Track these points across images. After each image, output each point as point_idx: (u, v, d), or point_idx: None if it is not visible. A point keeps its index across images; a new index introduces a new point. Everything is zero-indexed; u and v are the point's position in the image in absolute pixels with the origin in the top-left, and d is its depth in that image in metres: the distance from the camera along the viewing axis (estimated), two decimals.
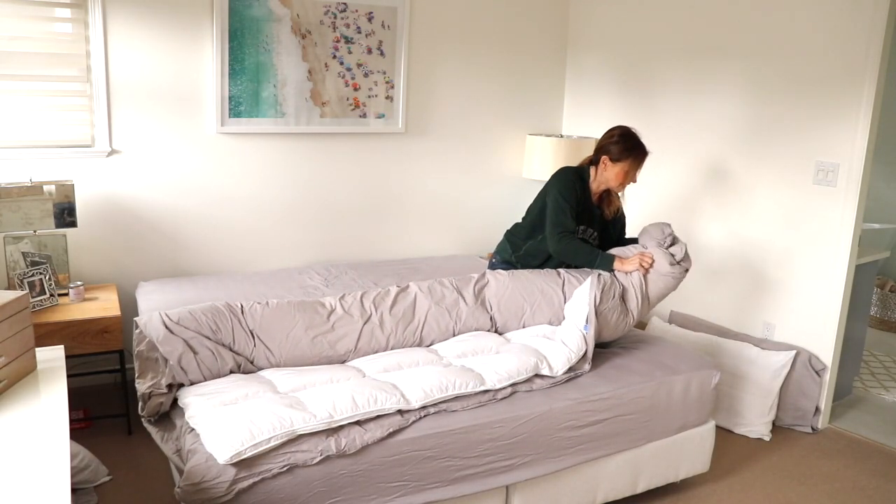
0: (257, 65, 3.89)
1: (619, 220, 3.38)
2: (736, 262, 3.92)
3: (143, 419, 2.50)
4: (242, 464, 2.12)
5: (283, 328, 2.73)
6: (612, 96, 4.57)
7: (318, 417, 2.24)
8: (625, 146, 3.12)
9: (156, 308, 3.31)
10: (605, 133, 3.22)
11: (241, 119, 3.90)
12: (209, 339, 2.59)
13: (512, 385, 2.61)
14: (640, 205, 4.45)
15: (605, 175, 3.16)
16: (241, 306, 2.78)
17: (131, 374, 3.31)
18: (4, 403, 1.83)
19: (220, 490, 2.07)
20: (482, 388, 2.54)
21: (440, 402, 2.46)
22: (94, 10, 3.49)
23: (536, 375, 2.68)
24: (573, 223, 3.14)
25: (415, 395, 2.42)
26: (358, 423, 2.31)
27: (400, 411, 2.39)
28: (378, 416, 2.35)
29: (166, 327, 2.57)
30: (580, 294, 3.00)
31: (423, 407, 2.43)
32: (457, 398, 2.50)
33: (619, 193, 3.32)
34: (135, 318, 2.68)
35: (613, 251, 3.15)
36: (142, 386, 2.48)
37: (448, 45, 4.44)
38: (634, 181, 3.22)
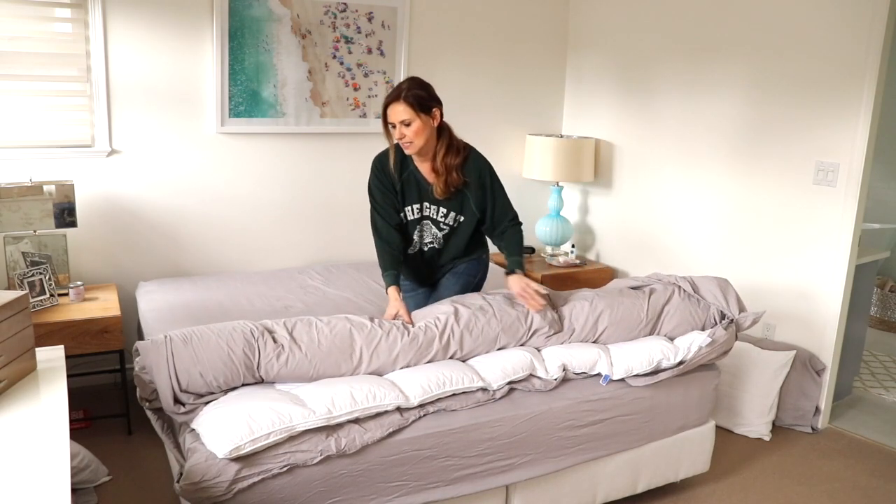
0: (257, 65, 3.89)
1: (473, 195, 2.88)
2: (736, 262, 3.91)
3: (140, 400, 2.39)
4: (242, 463, 2.11)
5: (317, 373, 2.47)
6: (612, 96, 4.57)
7: (317, 413, 2.23)
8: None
9: (156, 308, 3.32)
10: (426, 85, 2.84)
11: (241, 119, 3.90)
12: (220, 389, 2.39)
13: (509, 383, 2.60)
14: (640, 205, 4.45)
15: (431, 134, 2.83)
16: (259, 355, 2.38)
17: (131, 375, 3.31)
18: (4, 403, 1.83)
19: (220, 489, 2.07)
20: (480, 385, 2.53)
21: (439, 400, 2.46)
22: (94, 10, 3.49)
23: (532, 375, 2.66)
24: (387, 213, 2.89)
25: (413, 392, 2.42)
26: (357, 422, 2.30)
27: (399, 410, 2.38)
28: (377, 415, 2.34)
29: (174, 393, 2.30)
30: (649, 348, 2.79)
31: (422, 405, 2.42)
32: (454, 395, 2.49)
33: (456, 160, 2.83)
34: (137, 345, 2.41)
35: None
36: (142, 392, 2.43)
37: (448, 45, 4.44)
38: (403, 135, 2.77)
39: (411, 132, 2.77)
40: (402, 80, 3.03)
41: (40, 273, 3.28)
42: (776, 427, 3.64)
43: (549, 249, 4.68)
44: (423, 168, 2.91)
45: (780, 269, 3.72)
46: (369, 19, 4.13)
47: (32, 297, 3.22)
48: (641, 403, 2.74)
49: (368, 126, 4.26)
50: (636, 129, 4.42)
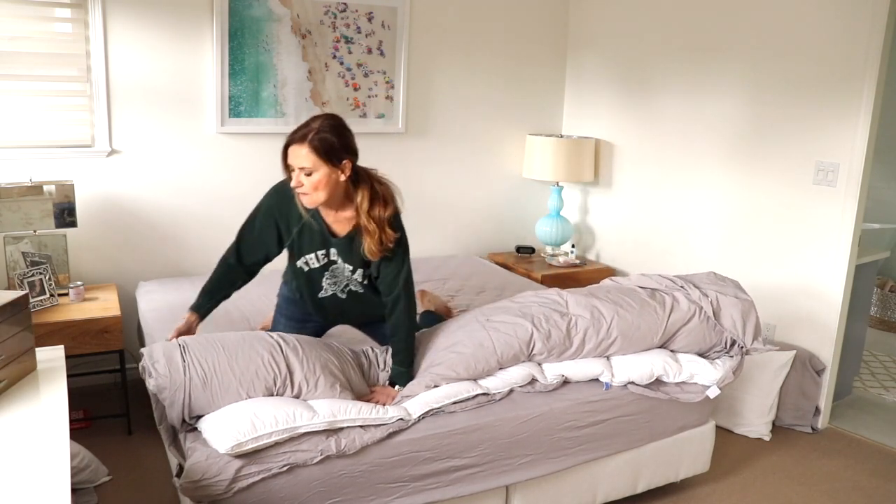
0: (257, 65, 3.89)
1: (383, 267, 2.52)
2: (736, 262, 3.91)
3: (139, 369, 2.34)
4: (243, 461, 2.11)
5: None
6: (612, 96, 4.57)
7: (320, 416, 2.24)
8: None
9: (156, 308, 3.32)
10: (337, 131, 2.42)
11: (241, 119, 3.90)
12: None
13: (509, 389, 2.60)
14: (640, 205, 4.45)
15: (340, 186, 2.44)
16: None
17: (131, 374, 3.32)
18: (4, 403, 1.83)
19: (220, 488, 2.07)
20: (480, 392, 2.53)
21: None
22: (94, 10, 3.49)
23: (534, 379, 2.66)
24: (249, 248, 2.56)
25: (413, 407, 2.42)
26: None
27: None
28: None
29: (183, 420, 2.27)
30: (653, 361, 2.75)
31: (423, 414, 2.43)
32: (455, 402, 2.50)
33: (382, 233, 2.44)
34: (148, 363, 2.30)
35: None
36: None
37: (448, 44, 4.43)
38: (301, 184, 2.37)
39: (310, 184, 2.34)
40: (323, 122, 2.39)
41: (40, 273, 3.28)
42: (776, 427, 3.63)
43: (549, 249, 4.69)
44: (330, 216, 2.51)
45: (780, 268, 3.72)
46: (369, 19, 4.13)
47: (32, 297, 3.22)
48: (642, 404, 2.74)
49: (368, 126, 4.26)
50: (636, 129, 4.42)
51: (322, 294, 2.63)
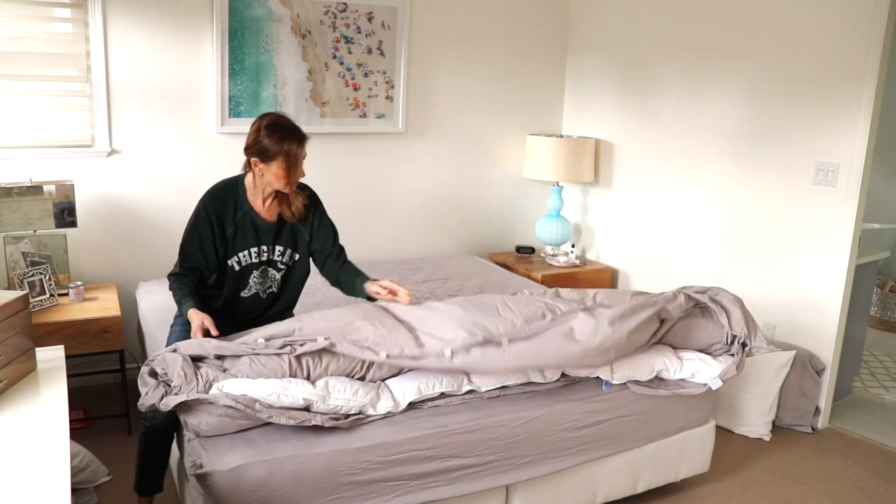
0: (257, 65, 3.89)
1: (317, 230, 2.78)
2: (736, 262, 3.91)
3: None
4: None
5: None
6: (612, 96, 4.57)
7: (324, 404, 2.30)
8: (273, 139, 2.51)
9: (156, 308, 3.32)
10: (251, 126, 2.59)
11: (241, 119, 3.90)
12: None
13: (500, 388, 2.60)
14: (640, 205, 4.45)
15: (265, 180, 2.59)
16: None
17: (131, 374, 3.32)
18: (4, 403, 1.83)
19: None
20: (469, 388, 2.54)
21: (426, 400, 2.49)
22: (94, 10, 3.49)
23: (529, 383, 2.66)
24: (196, 260, 2.61)
25: (401, 395, 2.45)
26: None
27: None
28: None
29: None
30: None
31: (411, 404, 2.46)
32: (443, 395, 2.51)
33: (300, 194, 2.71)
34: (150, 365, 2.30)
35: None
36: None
37: (448, 45, 4.43)
38: (303, 174, 2.64)
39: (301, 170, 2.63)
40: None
41: (40, 273, 3.28)
42: (776, 427, 3.63)
43: (549, 249, 4.69)
44: (258, 205, 2.67)
45: (780, 268, 3.72)
46: (369, 19, 4.13)
47: (32, 297, 3.22)
48: (642, 404, 2.74)
49: (368, 126, 4.26)
50: (636, 129, 4.42)
51: (245, 293, 2.73)
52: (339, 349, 2.35)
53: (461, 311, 2.57)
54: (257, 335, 2.37)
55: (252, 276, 2.72)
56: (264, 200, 2.67)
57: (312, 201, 2.78)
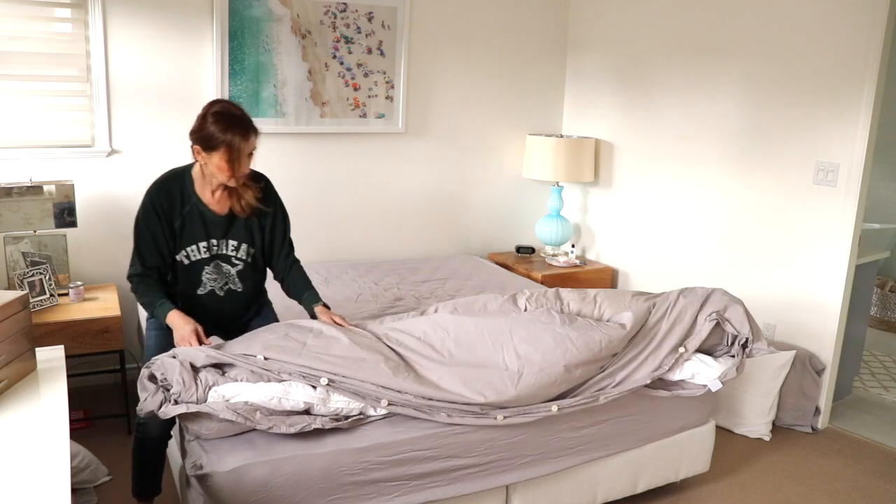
0: (257, 65, 3.89)
1: (272, 225, 2.66)
2: (736, 262, 3.91)
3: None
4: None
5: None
6: (612, 96, 4.57)
7: (325, 406, 2.29)
8: (218, 128, 2.38)
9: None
10: (201, 111, 2.49)
11: None
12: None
13: None
14: (640, 205, 4.45)
15: (209, 170, 2.45)
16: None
17: (131, 374, 3.32)
18: (4, 403, 1.83)
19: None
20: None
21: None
22: (94, 10, 3.49)
23: None
24: (154, 258, 2.49)
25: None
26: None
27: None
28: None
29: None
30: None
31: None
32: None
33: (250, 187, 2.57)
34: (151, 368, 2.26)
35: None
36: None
37: (448, 45, 4.43)
38: (247, 169, 2.49)
39: (250, 163, 2.49)
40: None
41: (40, 273, 3.28)
42: (776, 427, 3.63)
43: (549, 249, 4.69)
44: (207, 197, 2.53)
45: (780, 268, 3.72)
46: (369, 19, 4.13)
47: (32, 297, 3.22)
48: (642, 404, 2.74)
49: (368, 126, 4.26)
50: (636, 129, 4.42)
51: (200, 290, 2.59)
52: (338, 388, 2.30)
53: (465, 369, 2.50)
54: (256, 350, 2.32)
55: (204, 273, 2.57)
56: (213, 192, 2.53)
57: (267, 194, 2.63)
